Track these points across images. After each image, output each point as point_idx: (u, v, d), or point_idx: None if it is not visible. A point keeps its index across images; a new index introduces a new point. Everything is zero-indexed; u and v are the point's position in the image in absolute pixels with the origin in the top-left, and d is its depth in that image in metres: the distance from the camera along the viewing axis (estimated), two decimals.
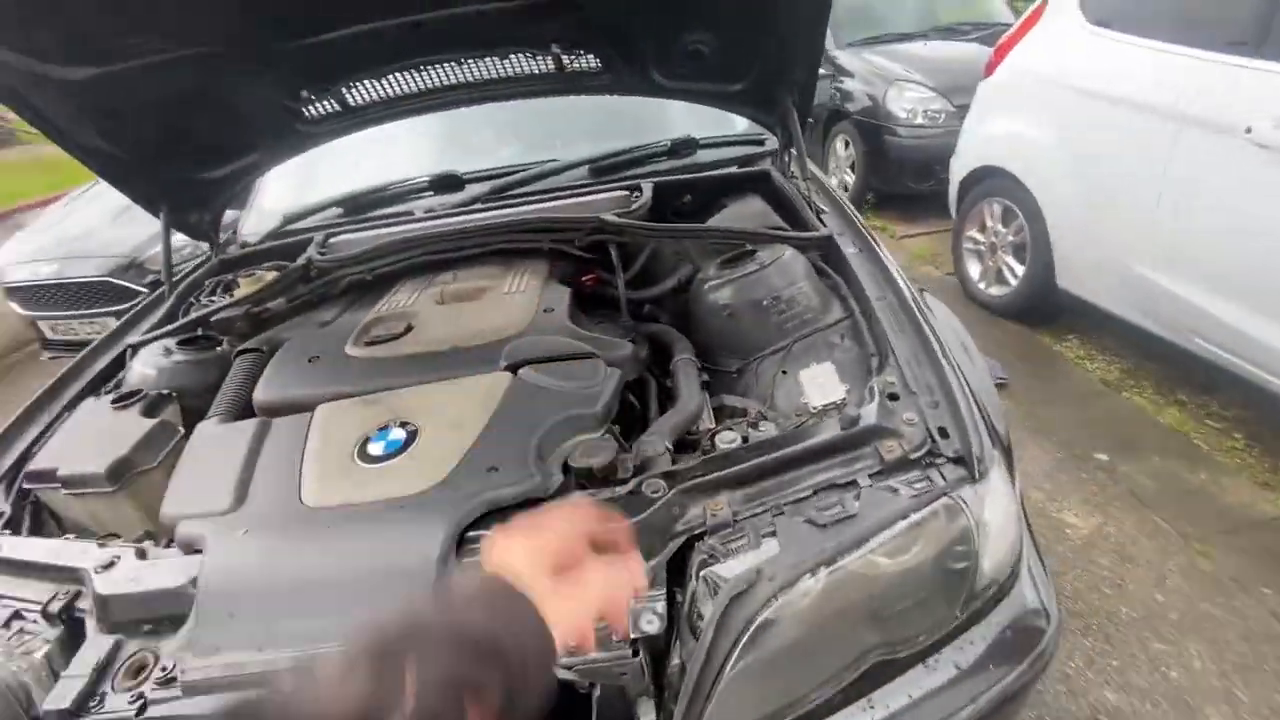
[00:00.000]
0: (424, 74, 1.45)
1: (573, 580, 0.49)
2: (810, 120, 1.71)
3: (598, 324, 1.31)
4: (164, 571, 0.82)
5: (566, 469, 0.90)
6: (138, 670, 0.77)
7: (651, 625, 0.71)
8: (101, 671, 0.77)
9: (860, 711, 0.78)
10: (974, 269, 3.26)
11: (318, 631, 0.73)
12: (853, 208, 1.62)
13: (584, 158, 1.70)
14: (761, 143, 1.79)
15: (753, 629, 0.72)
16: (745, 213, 1.52)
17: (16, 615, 0.86)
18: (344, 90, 1.49)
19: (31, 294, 3.61)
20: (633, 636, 0.70)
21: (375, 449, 0.92)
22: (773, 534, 0.78)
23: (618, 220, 1.38)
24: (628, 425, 1.09)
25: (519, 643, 0.43)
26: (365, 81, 1.45)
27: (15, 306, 3.71)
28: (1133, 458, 2.20)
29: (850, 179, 4.60)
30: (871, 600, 0.77)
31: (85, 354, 1.40)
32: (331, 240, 1.59)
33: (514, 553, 0.48)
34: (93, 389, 1.29)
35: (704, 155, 1.77)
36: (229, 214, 1.86)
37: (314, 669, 0.42)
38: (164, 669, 0.75)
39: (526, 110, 1.74)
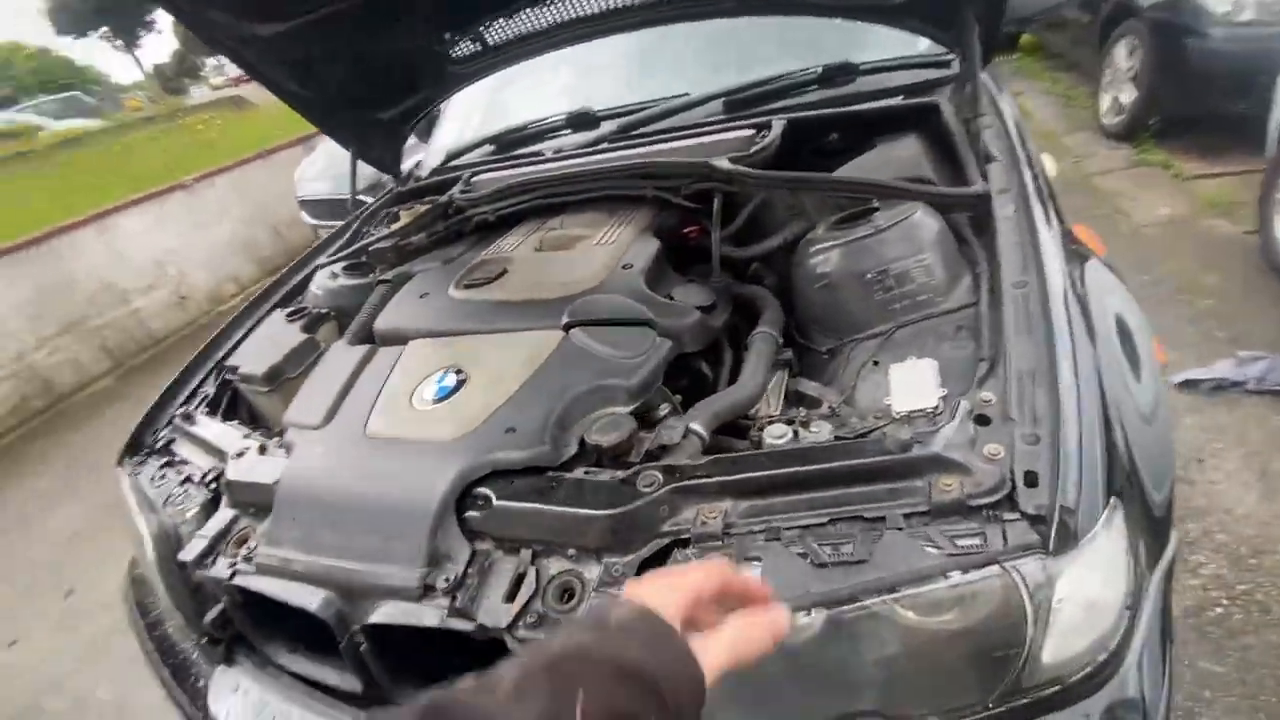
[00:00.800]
0: (556, 8, 1.42)
1: (711, 625, 0.49)
2: (1002, 33, 1.34)
3: (688, 282, 1.22)
4: (266, 469, 1.00)
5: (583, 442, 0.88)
6: (241, 543, 0.97)
7: None
8: (219, 538, 0.99)
9: None
10: None
11: (343, 547, 0.84)
12: (1035, 157, 1.26)
13: (718, 91, 1.55)
14: (947, 64, 1.45)
15: None
16: (891, 158, 1.27)
17: (188, 479, 1.13)
18: (483, 30, 1.53)
19: (314, 206, 4.51)
20: None
21: (428, 391, 1.00)
22: (757, 560, 0.69)
23: (725, 166, 1.25)
24: (698, 396, 1.03)
25: (674, 678, 0.43)
26: (500, 20, 1.47)
27: (305, 215, 4.67)
28: None
29: (1128, 98, 3.57)
30: (850, 657, 0.66)
31: (287, 270, 1.71)
32: (475, 179, 1.69)
33: (657, 593, 0.48)
34: (284, 301, 1.58)
35: (866, 83, 1.50)
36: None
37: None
38: (249, 549, 0.94)
39: (672, 39, 1.63)
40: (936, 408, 0.85)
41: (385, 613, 0.79)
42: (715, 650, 0.47)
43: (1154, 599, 0.76)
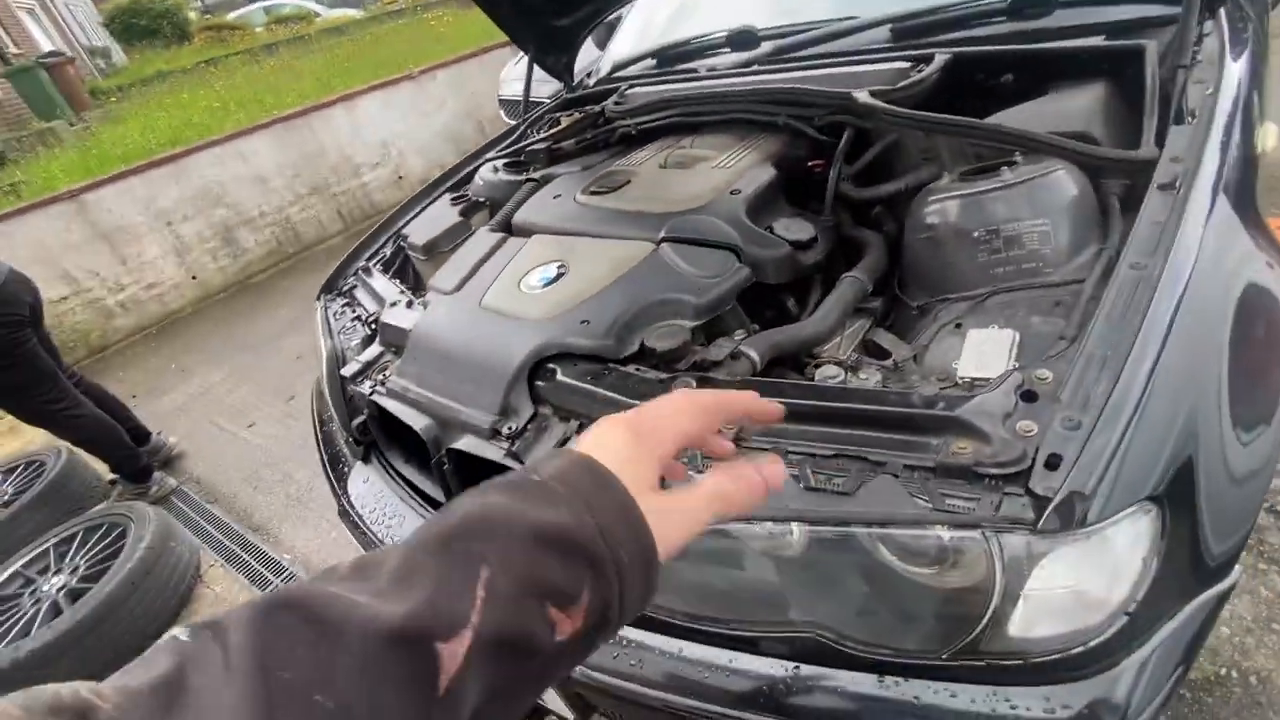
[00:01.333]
0: None
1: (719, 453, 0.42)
2: None
3: (796, 216, 1.22)
4: (407, 317, 1.24)
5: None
6: (383, 371, 1.23)
7: None
8: (369, 364, 1.26)
9: (782, 669, 0.76)
10: None
11: (446, 387, 1.05)
12: (1251, 127, 1.03)
13: (886, 16, 1.43)
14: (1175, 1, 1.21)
15: None
16: (1059, 109, 1.13)
17: (358, 317, 1.43)
18: None
19: (511, 106, 4.87)
20: None
21: (535, 278, 1.15)
22: None
23: (863, 99, 1.20)
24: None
25: (614, 541, 0.35)
26: None
27: (503, 114, 5.07)
28: None
29: None
30: (816, 579, 0.71)
31: (463, 160, 1.95)
32: (630, 91, 1.77)
33: (618, 437, 0.39)
34: (454, 188, 1.83)
35: (1066, 18, 1.30)
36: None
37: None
38: (386, 376, 1.19)
39: None
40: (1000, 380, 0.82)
41: (464, 443, 0.99)
42: (687, 508, 0.39)
43: (1182, 622, 0.71)
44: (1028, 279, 0.93)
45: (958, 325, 0.95)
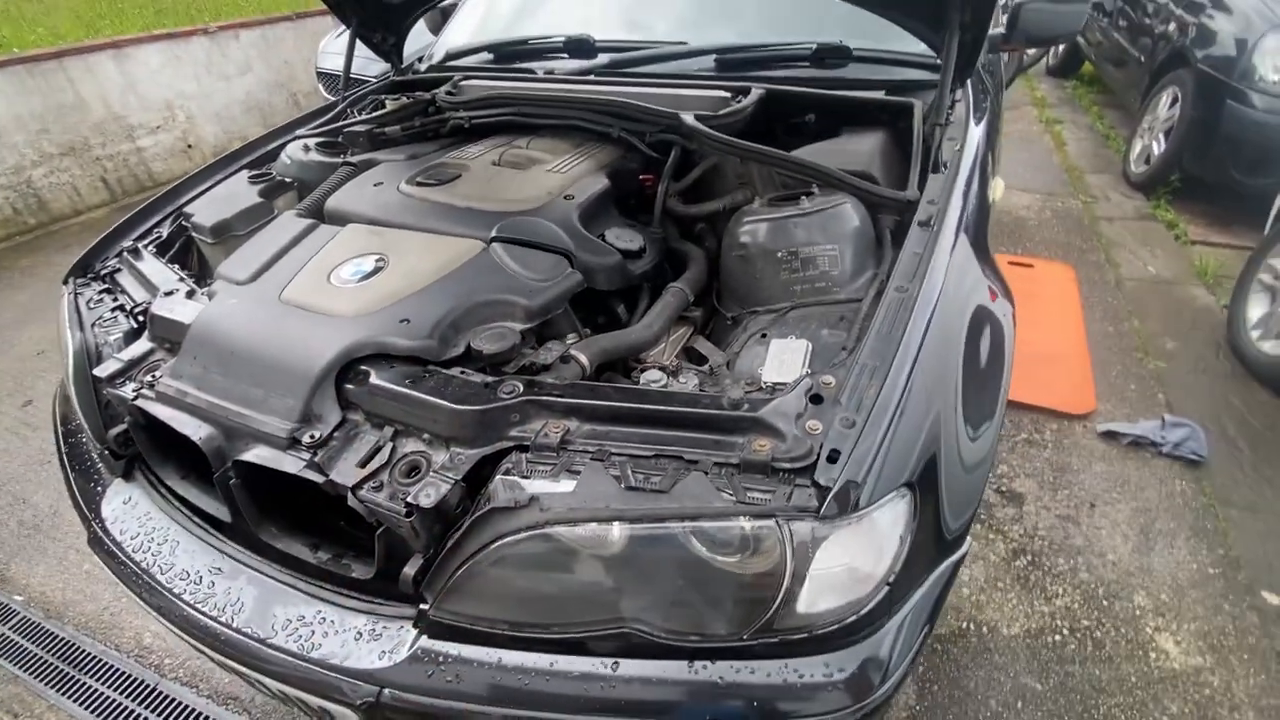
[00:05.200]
0: None
1: None
2: (985, 54, 1.34)
3: (626, 227, 1.27)
4: (187, 309, 1.07)
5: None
6: (151, 372, 1.05)
7: (427, 499, 0.77)
8: (133, 364, 1.06)
9: (601, 666, 0.78)
10: (1255, 310, 2.41)
11: (233, 391, 0.92)
12: (985, 178, 1.28)
13: (712, 46, 1.55)
14: (936, 68, 1.45)
15: (499, 544, 0.74)
16: (847, 149, 1.30)
17: (120, 307, 1.20)
18: None
19: (331, 81, 4.44)
20: (409, 503, 0.77)
21: (347, 271, 1.06)
22: (577, 474, 0.77)
23: (690, 122, 1.28)
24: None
25: None
26: None
27: (321, 89, 4.60)
28: None
29: (1158, 150, 3.51)
30: (634, 573, 0.74)
31: (267, 134, 1.74)
32: (464, 83, 1.70)
33: None
34: (254, 164, 1.62)
35: (857, 71, 1.50)
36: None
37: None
38: (155, 377, 1.01)
39: None
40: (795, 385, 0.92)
41: (254, 454, 0.87)
42: None
43: (928, 587, 0.85)
44: (820, 296, 1.06)
45: (763, 335, 1.04)
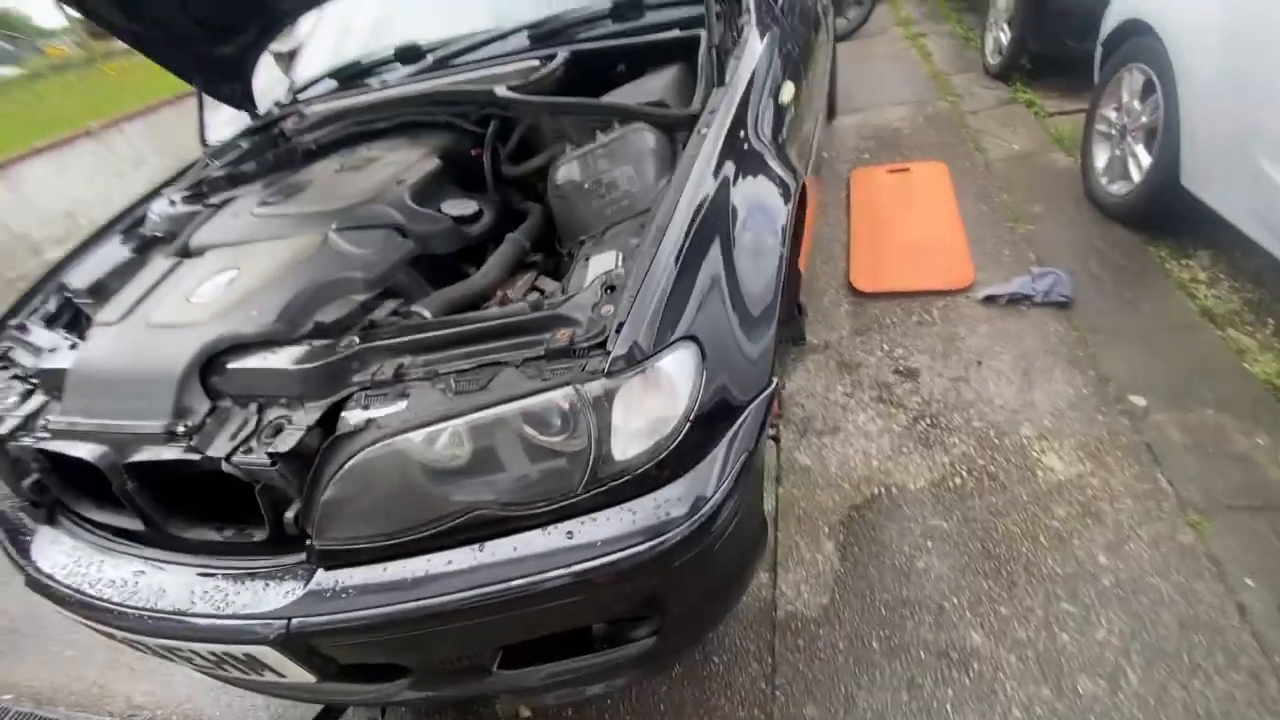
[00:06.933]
0: None
1: None
2: None
3: (463, 197, 1.39)
4: (68, 358, 1.16)
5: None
6: (46, 416, 1.14)
7: (285, 445, 0.88)
8: (30, 417, 1.15)
9: (472, 551, 0.90)
10: (1100, 158, 2.61)
11: (116, 410, 1.02)
12: (774, 86, 1.43)
13: (520, 25, 1.68)
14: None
15: (350, 463, 0.86)
16: (647, 86, 1.44)
17: (16, 376, 1.28)
18: None
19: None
20: (270, 453, 0.89)
21: (205, 290, 1.16)
22: (408, 395, 0.89)
23: (502, 93, 1.40)
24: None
25: None
26: None
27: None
28: (1179, 407, 1.79)
29: (1005, 38, 3.73)
30: (471, 463, 0.86)
31: (136, 201, 1.82)
32: (309, 110, 1.81)
33: None
34: (125, 228, 1.70)
35: (654, 17, 1.64)
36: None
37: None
38: (46, 420, 1.11)
39: None
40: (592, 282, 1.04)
41: (141, 454, 0.98)
42: None
43: (742, 422, 0.98)
44: (626, 213, 1.19)
45: (587, 258, 1.17)
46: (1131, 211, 2.43)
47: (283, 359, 0.98)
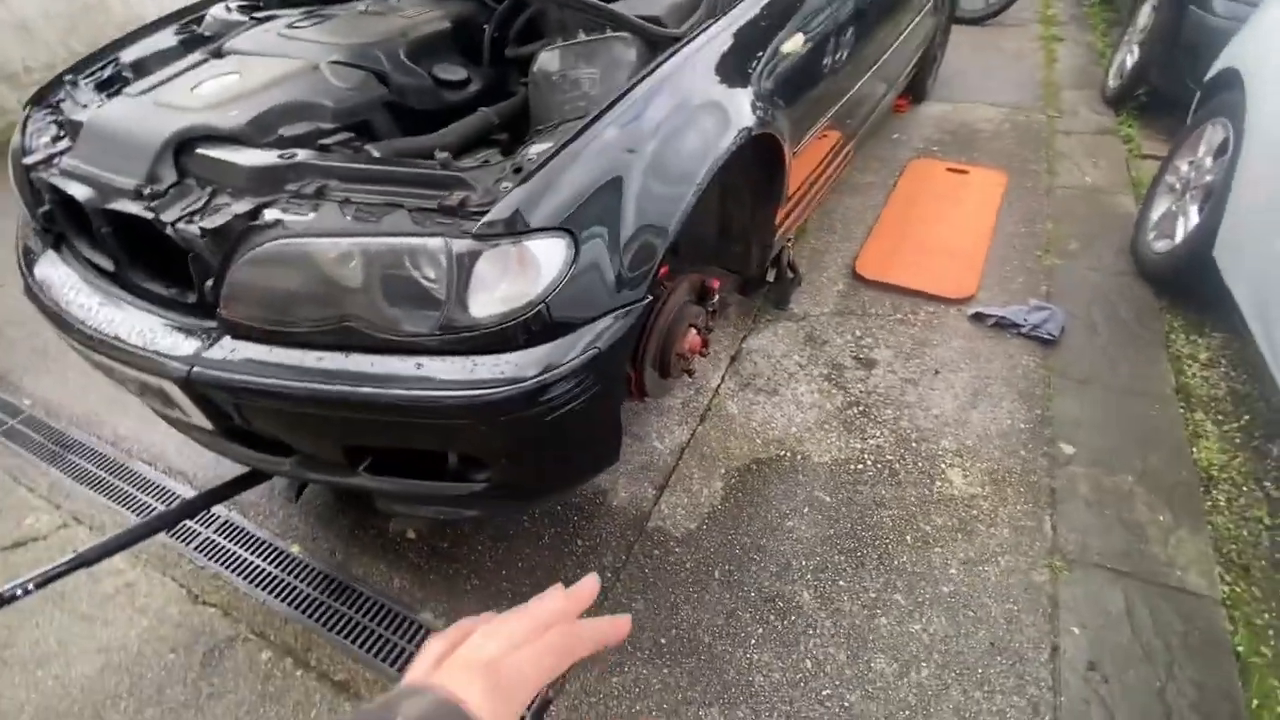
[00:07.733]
0: None
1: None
2: None
3: (456, 64, 1.48)
4: (89, 113, 1.35)
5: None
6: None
7: (212, 224, 1.05)
8: (53, 155, 1.35)
9: (340, 356, 1.06)
10: (1157, 211, 2.46)
11: (109, 162, 1.20)
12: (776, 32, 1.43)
13: None
14: None
15: (254, 252, 1.02)
16: (656, 0, 1.47)
17: (56, 121, 1.49)
18: None
19: None
20: (201, 227, 1.05)
21: (208, 84, 1.32)
22: (318, 209, 1.03)
23: None
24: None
25: None
26: None
27: None
28: (1103, 466, 1.79)
29: (1131, 62, 3.43)
30: (348, 278, 1.00)
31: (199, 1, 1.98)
32: None
33: (472, 689, 0.34)
34: (182, 23, 1.87)
35: None
36: None
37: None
38: (63, 159, 1.31)
39: None
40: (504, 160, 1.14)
41: (115, 204, 1.16)
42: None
43: (607, 323, 1.09)
44: (579, 114, 1.26)
45: (529, 145, 1.27)
46: (1164, 274, 2.31)
47: (240, 156, 1.13)
